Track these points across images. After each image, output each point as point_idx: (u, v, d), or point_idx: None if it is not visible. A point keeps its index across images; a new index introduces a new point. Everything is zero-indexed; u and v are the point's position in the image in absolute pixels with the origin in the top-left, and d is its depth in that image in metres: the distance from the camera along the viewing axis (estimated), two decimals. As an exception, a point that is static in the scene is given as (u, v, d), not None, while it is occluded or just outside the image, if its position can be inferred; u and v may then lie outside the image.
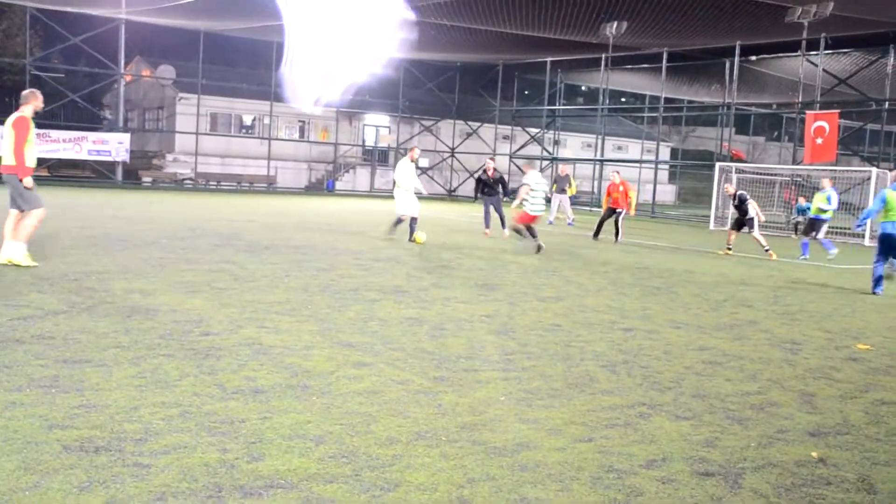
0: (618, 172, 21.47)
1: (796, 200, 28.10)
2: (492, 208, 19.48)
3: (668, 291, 11.64)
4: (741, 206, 18.27)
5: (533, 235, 16.27)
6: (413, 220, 16.53)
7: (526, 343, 7.37)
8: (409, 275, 11.60)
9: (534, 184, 16.40)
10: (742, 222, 18.37)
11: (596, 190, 40.49)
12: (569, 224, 25.97)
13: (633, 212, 21.73)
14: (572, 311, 9.32)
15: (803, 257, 18.58)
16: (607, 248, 18.33)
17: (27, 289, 8.48)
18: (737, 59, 31.89)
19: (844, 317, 10.20)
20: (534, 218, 16.30)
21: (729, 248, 18.66)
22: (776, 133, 64.44)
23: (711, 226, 29.58)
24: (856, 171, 30.18)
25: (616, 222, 20.20)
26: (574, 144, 53.63)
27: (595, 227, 20.55)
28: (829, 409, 5.76)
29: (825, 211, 18.25)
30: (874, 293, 12.60)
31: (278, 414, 4.87)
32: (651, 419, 5.27)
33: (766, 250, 18.24)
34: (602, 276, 12.89)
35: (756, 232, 18.30)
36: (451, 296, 9.92)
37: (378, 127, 45.73)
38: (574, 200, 29.37)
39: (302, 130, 43.29)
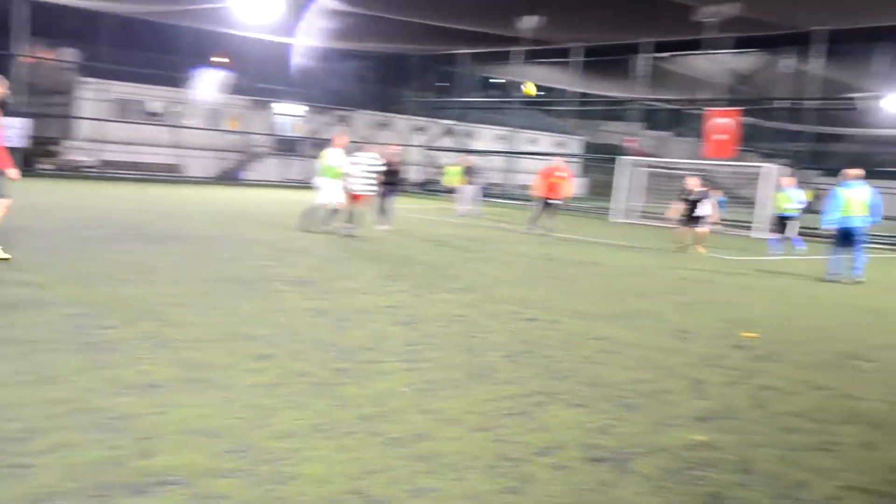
0: (557, 160, 21.56)
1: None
2: (389, 200, 18.71)
3: (573, 282, 11.87)
4: (696, 203, 18.27)
5: (348, 220, 15.88)
6: (335, 210, 16.22)
7: (430, 334, 7.42)
8: (315, 266, 11.51)
9: (347, 163, 16.04)
10: (694, 218, 18.36)
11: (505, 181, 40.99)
12: (462, 214, 26.00)
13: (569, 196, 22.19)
14: (479, 303, 9.41)
15: (774, 253, 19.20)
16: (519, 239, 18.56)
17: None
18: (644, 55, 32.63)
19: (735, 306, 10.59)
20: (357, 198, 16.07)
21: (684, 245, 18.45)
22: (681, 129, 66.17)
23: (617, 218, 30.22)
24: (752, 166, 31.29)
25: (553, 213, 20.39)
26: (487, 137, 54.06)
27: (532, 219, 20.73)
28: (717, 395, 5.98)
29: (792, 209, 19.31)
30: (830, 279, 14.15)
31: (174, 409, 4.78)
32: (548, 408, 5.38)
33: (695, 246, 18.46)
34: (511, 268, 13.05)
35: (701, 227, 18.39)
36: (357, 287, 9.90)
37: (290, 116, 45.13)
38: (485, 192, 29.62)
39: (212, 119, 42.42)
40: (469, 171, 27.44)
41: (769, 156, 40.60)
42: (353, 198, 15.99)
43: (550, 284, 11.46)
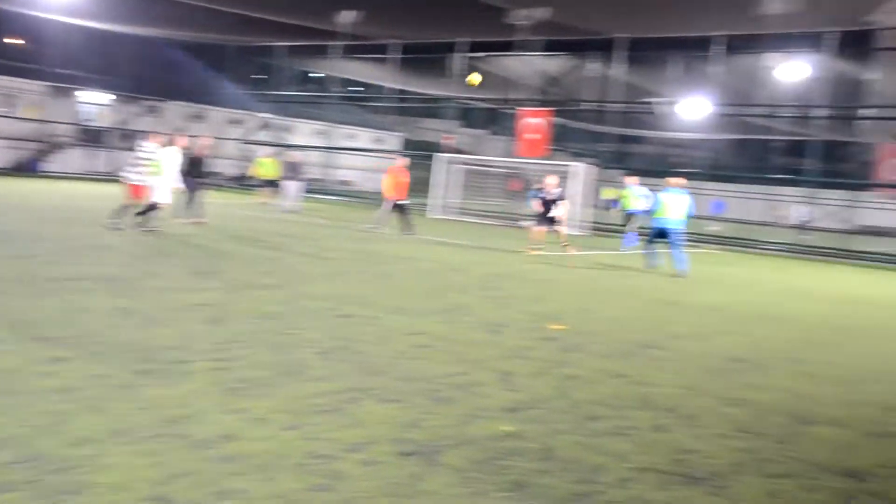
0: (402, 160, 21.53)
1: (523, 189, 30.60)
2: (197, 193, 17.86)
3: (388, 278, 11.94)
4: (551, 204, 17.48)
5: (121, 214, 15.01)
6: (155, 207, 15.28)
7: (240, 332, 7.22)
8: (123, 263, 10.96)
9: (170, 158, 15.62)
10: (549, 219, 17.61)
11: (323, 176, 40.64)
12: (285, 210, 25.75)
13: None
14: (292, 299, 9.27)
15: (628, 248, 20.43)
16: (337, 235, 18.46)
17: None
18: (460, 55, 33.31)
19: (544, 300, 11.02)
20: (137, 190, 15.08)
21: (540, 245, 17.65)
22: (495, 127, 68.15)
23: (434, 214, 30.70)
24: (563, 164, 32.70)
25: (406, 214, 20.32)
26: (304, 131, 53.42)
27: (380, 221, 20.57)
28: (524, 386, 6.19)
29: (637, 206, 20.63)
30: (652, 268, 15.85)
31: (-47, 418, 4.40)
32: (360, 404, 5.37)
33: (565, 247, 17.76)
34: (326, 264, 12.95)
35: (559, 227, 17.68)
36: (167, 285, 9.50)
37: (96, 104, 42.60)
38: (306, 188, 29.22)
39: (7, 105, 39.35)
40: (293, 167, 27.03)
41: (578, 155, 42.60)
42: (134, 190, 15.01)
43: (367, 280, 11.47)
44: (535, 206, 17.90)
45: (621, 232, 22.21)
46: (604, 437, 5.09)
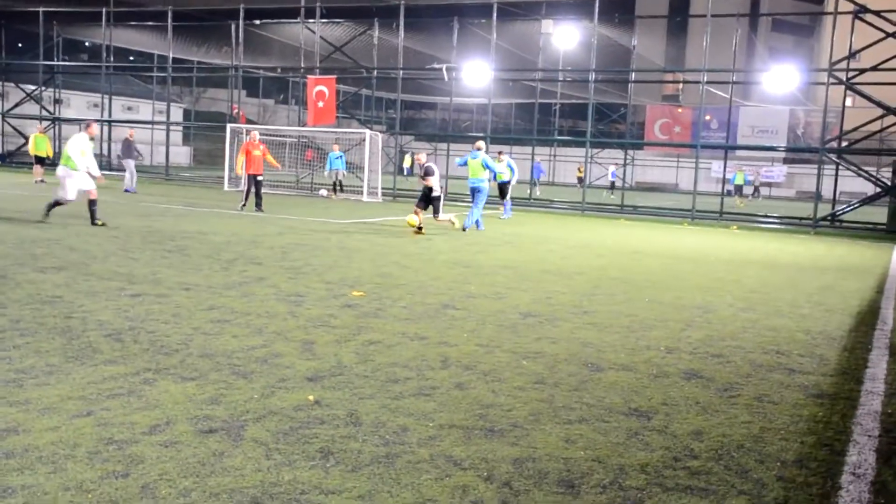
0: (256, 132, 20.70)
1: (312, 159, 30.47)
2: None
3: (179, 253, 11.48)
4: (425, 178, 16.88)
5: None
6: (93, 202, 14.70)
7: (19, 319, 6.71)
8: None
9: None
10: (428, 198, 16.89)
11: (104, 150, 38.29)
12: (128, 190, 24.71)
13: (280, 167, 22.21)
14: (75, 280, 8.71)
15: (506, 216, 22.10)
16: (116, 211, 17.45)
17: None
18: (241, 22, 32.30)
19: (343, 268, 11.01)
20: None
21: (420, 228, 16.40)
22: (283, 96, 66.88)
23: (226, 187, 29.80)
24: (354, 132, 32.66)
25: (258, 190, 19.68)
26: (79, 104, 49.98)
27: (244, 198, 19.83)
28: (326, 354, 6.18)
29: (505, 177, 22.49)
30: (465, 230, 17.58)
31: None
32: (156, 384, 5.16)
33: (452, 223, 17.70)
34: (110, 242, 12.24)
35: (442, 215, 17.15)
36: (-73, 274, 8.64)
37: None
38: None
39: None
40: (128, 144, 26.19)
41: (367, 123, 42.66)
42: None
43: (156, 257, 10.97)
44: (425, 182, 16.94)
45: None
46: (407, 398, 5.18)
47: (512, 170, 22.75)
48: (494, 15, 28.17)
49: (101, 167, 16.41)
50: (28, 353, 5.71)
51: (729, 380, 6.09)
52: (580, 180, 48.05)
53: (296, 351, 6.23)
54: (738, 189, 48.69)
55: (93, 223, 14.51)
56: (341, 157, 28.18)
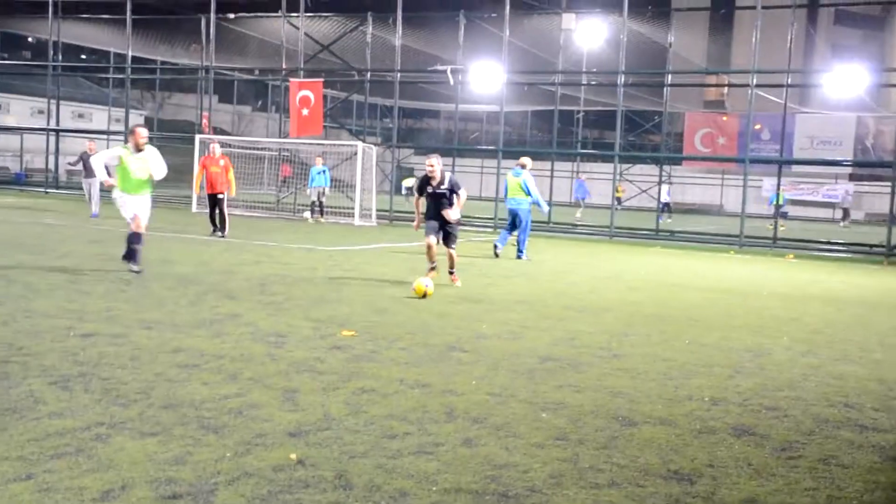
0: (215, 147, 20.94)
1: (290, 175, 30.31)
2: None
3: (139, 286, 11.50)
4: (441, 199, 13.29)
5: None
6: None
7: (-53, 363, 6.71)
8: None
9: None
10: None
11: (52, 166, 38.48)
12: (95, 216, 24.20)
13: (233, 192, 21.36)
14: (14, 319, 8.71)
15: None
16: (65, 238, 17.50)
17: None
18: (213, 15, 32.52)
19: (332, 303, 11.01)
20: None
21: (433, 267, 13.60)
22: (262, 102, 67.32)
23: (194, 208, 29.88)
24: (344, 145, 32.79)
25: (221, 210, 20.00)
26: (21, 110, 50.32)
27: (209, 219, 20.36)
28: (311, 405, 6.16)
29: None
30: (497, 255, 18.09)
31: None
32: (110, 441, 5.14)
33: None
34: (57, 273, 12.27)
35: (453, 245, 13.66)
36: None
37: None
38: (22, 179, 27.49)
39: None
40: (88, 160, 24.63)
41: (359, 133, 42.86)
42: None
43: (112, 290, 10.99)
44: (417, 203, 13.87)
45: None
46: (406, 457, 5.15)
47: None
48: (507, 8, 28.37)
49: (48, 184, 16.32)
50: (-40, 403, 5.70)
51: (787, 437, 6.05)
52: (619, 200, 47.96)
53: (276, 401, 6.21)
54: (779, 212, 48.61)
55: (125, 259, 13.00)
56: (324, 171, 28.14)
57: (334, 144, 33.20)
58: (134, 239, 12.81)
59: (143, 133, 13.23)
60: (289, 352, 7.91)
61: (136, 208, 12.94)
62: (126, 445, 5.08)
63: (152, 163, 12.98)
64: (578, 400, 6.72)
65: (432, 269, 13.37)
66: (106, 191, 15.17)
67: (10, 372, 6.59)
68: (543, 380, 7.34)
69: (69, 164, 26.82)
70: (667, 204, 45.00)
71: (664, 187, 46.01)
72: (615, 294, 13.60)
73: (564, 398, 6.74)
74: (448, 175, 13.46)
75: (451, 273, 13.63)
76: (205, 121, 36.33)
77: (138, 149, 12.90)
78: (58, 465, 4.69)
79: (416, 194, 13.93)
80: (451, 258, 13.62)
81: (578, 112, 50.55)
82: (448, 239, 13.46)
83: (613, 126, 34.98)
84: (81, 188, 27.26)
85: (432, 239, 13.29)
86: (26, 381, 6.37)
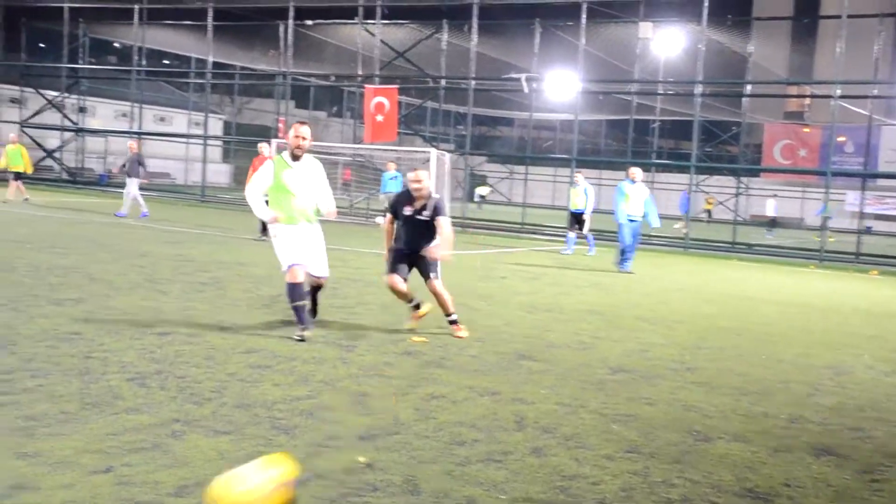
0: (265, 144, 21.00)
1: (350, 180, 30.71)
2: None
3: (215, 287, 11.69)
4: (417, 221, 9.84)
5: None
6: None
7: (31, 357, 6.91)
8: None
9: None
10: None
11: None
12: (123, 214, 23.98)
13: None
14: (96, 315, 8.93)
15: (591, 253, 21.61)
16: (144, 237, 17.90)
17: None
18: (291, 22, 32.99)
19: (402, 309, 11.03)
20: None
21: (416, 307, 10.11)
22: (337, 108, 67.98)
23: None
24: (418, 151, 32.95)
25: None
26: (106, 113, 51.59)
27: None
28: (381, 409, 6.20)
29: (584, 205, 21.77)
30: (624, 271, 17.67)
31: None
32: (185, 438, 5.24)
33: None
34: (136, 272, 12.55)
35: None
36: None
37: None
38: (105, 180, 27.92)
39: None
40: (131, 160, 25.15)
41: (432, 140, 43.00)
42: None
43: (188, 290, 11.19)
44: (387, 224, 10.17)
45: (497, 230, 22.72)
46: (475, 464, 5.15)
47: (587, 196, 22.26)
48: (584, 17, 28.24)
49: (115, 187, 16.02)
50: (40, 397, 5.86)
51: (870, 460, 5.90)
52: (709, 213, 47.20)
53: (346, 404, 6.27)
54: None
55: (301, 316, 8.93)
56: (397, 177, 28.29)
57: (408, 151, 33.35)
58: (294, 292, 8.80)
59: (305, 132, 8.87)
60: (359, 356, 7.97)
61: (298, 247, 8.91)
62: (200, 443, 5.17)
63: (315, 182, 9.09)
64: (650, 412, 6.65)
65: (415, 307, 9.72)
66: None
67: (91, 367, 6.76)
68: (614, 391, 7.29)
69: (118, 168, 26.85)
70: (773, 219, 43.58)
71: (771, 202, 44.75)
72: (688, 307, 13.43)
73: (636, 410, 6.68)
74: (435, 199, 9.69)
75: (450, 322, 9.62)
76: (281, 125, 36.82)
77: (295, 157, 8.90)
78: (135, 459, 4.79)
79: (387, 215, 10.17)
80: (439, 299, 9.61)
81: (654, 122, 49.99)
82: (426, 269, 9.65)
83: (690, 136, 34.57)
84: (160, 190, 27.74)
85: (396, 279, 9.55)
86: (105, 376, 6.53)
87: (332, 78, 46.40)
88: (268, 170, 8.90)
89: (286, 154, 8.93)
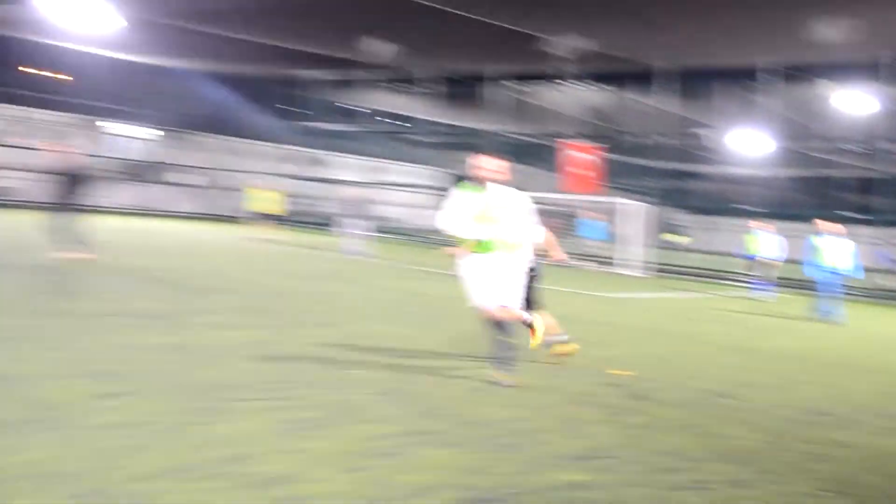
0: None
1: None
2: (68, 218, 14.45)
3: (445, 318, 11.92)
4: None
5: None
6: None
7: (293, 371, 7.30)
8: (171, 298, 11.18)
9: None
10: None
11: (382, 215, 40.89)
12: (349, 254, 23.87)
13: None
14: (348, 338, 9.35)
15: (759, 296, 20.65)
16: (383, 273, 18.50)
17: None
18: (501, 86, 33.55)
19: (608, 345, 10.92)
20: None
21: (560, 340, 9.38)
22: (541, 161, 68.27)
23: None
24: (613, 202, 32.59)
25: None
26: (350, 166, 53.94)
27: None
28: (590, 434, 6.14)
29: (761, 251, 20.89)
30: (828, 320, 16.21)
31: (20, 450, 4.58)
32: (421, 448, 5.38)
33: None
34: (378, 303, 13.02)
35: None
36: (220, 321, 9.67)
37: (134, 138, 43.11)
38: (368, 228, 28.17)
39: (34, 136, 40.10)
40: (352, 205, 25.36)
41: (626, 191, 42.44)
42: None
43: (420, 320, 11.52)
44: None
45: (695, 274, 22.06)
46: (679, 490, 5.03)
47: (768, 243, 21.11)
48: (772, 76, 27.18)
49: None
50: (302, 405, 6.20)
51: None
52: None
53: (558, 427, 6.26)
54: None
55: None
56: (595, 225, 28.04)
57: (603, 201, 33.04)
58: (497, 327, 7.65)
59: (489, 163, 7.62)
60: (568, 384, 7.93)
61: (485, 281, 7.59)
62: (433, 453, 5.30)
63: (513, 210, 7.60)
64: (849, 455, 6.26)
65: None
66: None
67: (342, 382, 7.07)
68: (813, 432, 6.90)
69: (347, 212, 25.91)
70: None
71: None
72: (890, 355, 12.56)
73: (834, 452, 6.29)
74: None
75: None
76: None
77: (481, 183, 7.61)
78: (379, 463, 4.98)
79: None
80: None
81: (842, 178, 47.32)
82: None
83: (878, 191, 32.57)
84: (387, 232, 28.39)
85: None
86: (354, 389, 6.81)
87: (537, 134, 46.79)
88: (458, 196, 7.65)
89: (476, 181, 7.60)
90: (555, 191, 34.25)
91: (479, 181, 7.52)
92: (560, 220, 34.58)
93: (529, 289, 8.30)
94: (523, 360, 8.85)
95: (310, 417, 5.83)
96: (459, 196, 7.59)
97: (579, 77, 31.49)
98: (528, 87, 37.52)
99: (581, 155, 29.79)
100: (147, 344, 7.88)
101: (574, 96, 32.40)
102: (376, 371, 7.66)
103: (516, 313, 7.78)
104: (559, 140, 33.75)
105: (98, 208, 30.66)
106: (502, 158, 7.55)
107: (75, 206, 14.37)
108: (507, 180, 7.64)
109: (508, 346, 7.61)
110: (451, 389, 7.22)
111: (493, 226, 7.47)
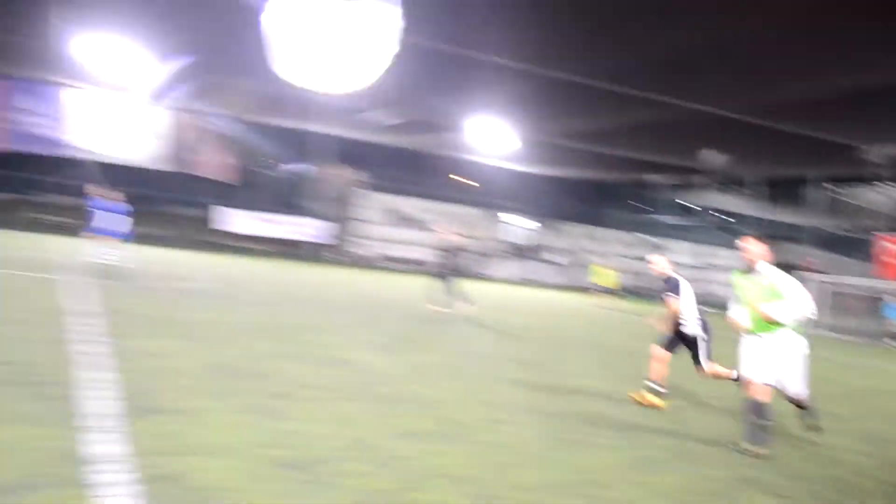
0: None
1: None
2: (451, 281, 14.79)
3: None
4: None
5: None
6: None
7: (644, 414, 6.99)
8: (541, 350, 11.36)
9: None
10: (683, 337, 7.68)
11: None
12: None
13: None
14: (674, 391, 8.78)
15: None
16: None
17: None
18: (819, 186, 30.30)
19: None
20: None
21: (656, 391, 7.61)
22: (857, 253, 60.29)
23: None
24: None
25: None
26: (680, 251, 52.14)
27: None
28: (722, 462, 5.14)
29: None
30: None
31: (429, 455, 4.82)
32: (747, 494, 4.85)
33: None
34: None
35: (709, 365, 7.63)
36: (574, 370, 9.59)
37: (519, 226, 45.41)
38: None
39: (457, 224, 43.59)
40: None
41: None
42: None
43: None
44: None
45: None
46: None
47: None
48: None
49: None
50: (648, 444, 5.91)
51: None
52: None
53: (879, 492, 5.32)
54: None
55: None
56: None
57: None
58: (755, 409, 6.03)
59: (751, 247, 6.22)
60: (882, 450, 6.73)
61: (758, 359, 6.12)
62: (759, 500, 4.76)
63: (778, 289, 6.02)
64: None
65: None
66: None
67: (678, 428, 6.65)
68: None
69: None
70: None
71: None
72: None
73: None
74: (672, 279, 7.68)
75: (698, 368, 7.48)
76: (809, 262, 33.88)
77: (749, 267, 6.27)
78: (705, 500, 4.57)
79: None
80: (697, 361, 7.53)
81: None
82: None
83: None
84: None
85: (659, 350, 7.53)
86: (693, 434, 6.36)
87: (850, 228, 41.66)
88: (734, 282, 6.43)
89: (743, 266, 6.31)
90: (866, 277, 30.06)
91: (747, 264, 6.23)
92: (867, 303, 30.07)
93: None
94: (832, 424, 7.71)
95: (653, 457, 5.53)
96: (734, 281, 6.41)
97: (894, 179, 27.51)
98: (844, 189, 33.65)
99: (891, 246, 26.05)
100: (521, 381, 7.98)
101: (888, 195, 28.27)
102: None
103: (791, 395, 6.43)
104: (876, 233, 29.64)
105: (492, 278, 32.17)
106: (764, 241, 6.23)
107: (455, 274, 14.85)
108: (771, 261, 6.23)
109: (763, 426, 5.96)
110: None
111: (762, 305, 6.02)
